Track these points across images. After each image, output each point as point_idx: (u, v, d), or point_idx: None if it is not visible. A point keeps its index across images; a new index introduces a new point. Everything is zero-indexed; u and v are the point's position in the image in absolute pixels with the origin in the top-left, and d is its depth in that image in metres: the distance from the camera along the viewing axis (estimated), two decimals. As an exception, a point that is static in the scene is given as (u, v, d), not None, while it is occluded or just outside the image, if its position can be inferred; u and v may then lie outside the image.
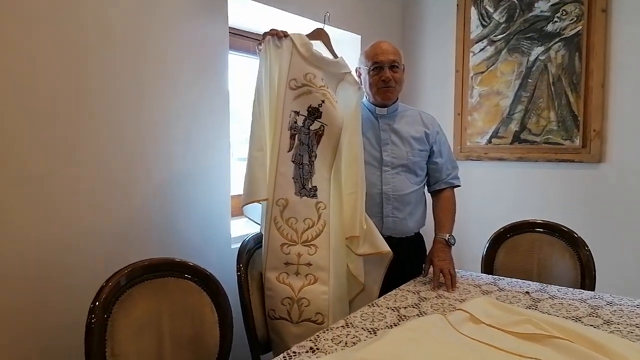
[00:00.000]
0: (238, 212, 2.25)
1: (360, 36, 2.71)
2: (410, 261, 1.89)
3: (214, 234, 1.91)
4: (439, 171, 1.95)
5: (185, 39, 1.76)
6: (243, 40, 2.35)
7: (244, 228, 2.13)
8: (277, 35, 1.68)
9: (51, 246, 1.41)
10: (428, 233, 1.97)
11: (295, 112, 1.68)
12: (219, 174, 1.93)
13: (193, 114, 1.81)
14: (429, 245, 1.92)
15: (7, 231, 1.32)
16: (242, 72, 2.38)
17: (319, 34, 1.88)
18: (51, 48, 1.39)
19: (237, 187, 2.14)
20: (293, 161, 1.68)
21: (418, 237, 1.98)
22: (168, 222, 1.74)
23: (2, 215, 1.31)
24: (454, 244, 1.86)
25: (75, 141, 1.47)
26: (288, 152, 1.68)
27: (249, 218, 1.77)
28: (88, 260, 1.49)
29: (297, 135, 1.69)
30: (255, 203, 1.69)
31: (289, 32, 1.72)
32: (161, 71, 1.69)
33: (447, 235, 1.86)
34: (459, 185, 2.00)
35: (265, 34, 1.68)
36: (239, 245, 1.71)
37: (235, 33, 2.28)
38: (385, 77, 1.83)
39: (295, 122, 1.69)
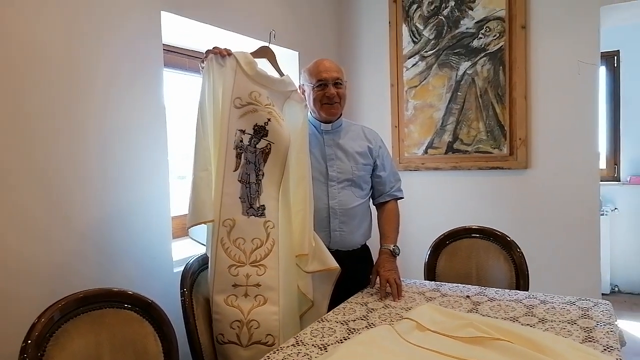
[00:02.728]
0: (180, 234, 2.19)
1: (297, 52, 2.74)
2: (357, 273, 1.91)
3: (155, 258, 1.84)
4: (382, 184, 2.00)
5: (118, 56, 1.70)
6: (180, 57, 2.31)
7: (186, 250, 2.06)
8: (220, 54, 1.66)
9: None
10: (374, 244, 2.01)
11: (240, 130, 1.66)
12: (158, 194, 1.86)
13: (129, 133, 1.74)
14: (375, 256, 1.96)
15: None
16: (181, 89, 2.33)
17: (264, 52, 1.87)
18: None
19: (177, 207, 2.08)
20: (240, 180, 1.65)
21: (364, 249, 2.01)
22: (107, 248, 1.65)
23: None
24: (398, 254, 1.91)
25: (8, 165, 1.37)
26: (234, 171, 1.65)
27: (195, 240, 1.72)
28: (18, 297, 1.38)
29: (243, 154, 1.66)
30: (201, 224, 1.65)
31: (233, 50, 1.70)
32: (94, 90, 1.62)
33: (392, 245, 1.90)
34: (402, 197, 2.06)
35: (208, 51, 1.66)
36: (182, 268, 1.65)
37: (172, 50, 2.23)
38: (330, 93, 1.86)
39: (241, 141, 1.66)
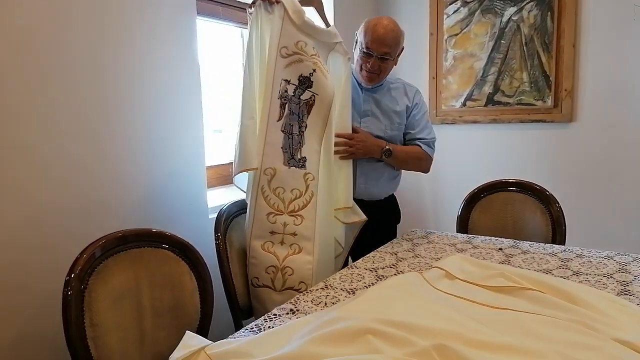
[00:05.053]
0: (214, 183, 2.24)
1: (332, 1, 2.65)
2: (382, 221, 1.93)
3: (191, 204, 1.90)
4: (414, 137, 1.94)
5: (148, 4, 1.69)
6: (213, 5, 2.28)
7: (221, 198, 2.12)
8: (269, 1, 1.63)
9: (22, 223, 1.38)
10: (403, 197, 1.99)
11: (285, 80, 1.65)
12: (193, 145, 1.90)
13: (162, 84, 1.76)
14: (402, 206, 1.94)
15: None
16: (213, 39, 2.31)
17: (312, 1, 1.82)
18: (3, 27, 1.32)
19: (212, 158, 2.12)
20: (282, 131, 1.66)
21: (390, 199, 2.01)
22: (145, 192, 1.72)
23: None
24: (387, 157, 1.85)
25: (43, 116, 1.42)
26: (277, 121, 1.66)
27: (239, 188, 1.76)
28: (64, 234, 1.47)
29: (287, 105, 1.66)
30: (244, 172, 1.68)
31: None
32: (125, 39, 1.63)
33: (390, 146, 1.85)
34: (430, 155, 1.95)
35: None
36: (216, 215, 1.70)
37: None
38: (371, 65, 1.80)
39: (286, 91, 1.66)
